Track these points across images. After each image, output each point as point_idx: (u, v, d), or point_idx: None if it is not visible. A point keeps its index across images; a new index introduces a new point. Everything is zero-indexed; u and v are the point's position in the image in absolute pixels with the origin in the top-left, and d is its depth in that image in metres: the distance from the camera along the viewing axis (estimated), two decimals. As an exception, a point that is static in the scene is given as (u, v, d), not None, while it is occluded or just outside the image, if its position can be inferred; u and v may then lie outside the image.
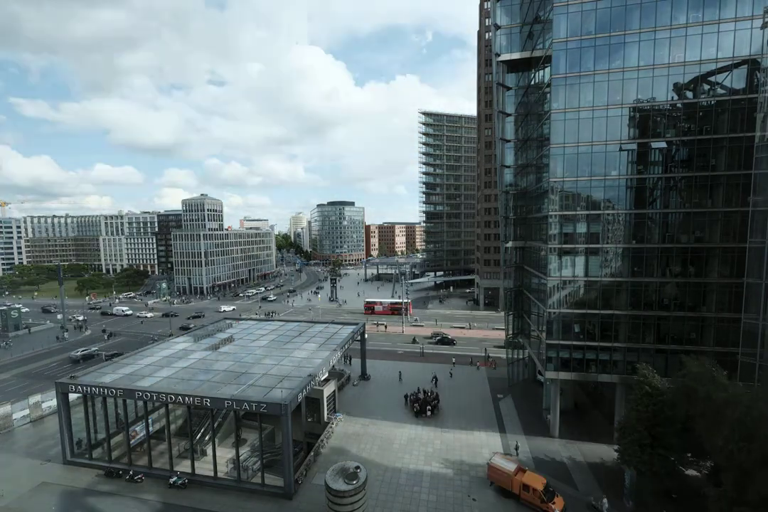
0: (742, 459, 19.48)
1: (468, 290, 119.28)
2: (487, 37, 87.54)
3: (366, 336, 67.60)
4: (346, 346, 44.48)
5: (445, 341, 66.95)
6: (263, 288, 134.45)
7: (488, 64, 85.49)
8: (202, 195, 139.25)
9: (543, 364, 36.29)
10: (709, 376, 23.74)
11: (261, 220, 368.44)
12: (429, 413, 40.45)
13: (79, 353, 61.75)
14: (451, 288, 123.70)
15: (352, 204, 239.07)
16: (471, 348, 63.65)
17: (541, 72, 37.99)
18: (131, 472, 30.99)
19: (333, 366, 40.99)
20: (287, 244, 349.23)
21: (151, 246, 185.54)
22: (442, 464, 32.32)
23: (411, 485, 29.68)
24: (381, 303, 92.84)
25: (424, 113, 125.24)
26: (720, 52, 29.70)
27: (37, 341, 73.51)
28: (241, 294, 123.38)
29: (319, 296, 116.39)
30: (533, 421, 39.39)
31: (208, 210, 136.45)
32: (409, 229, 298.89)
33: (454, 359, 56.34)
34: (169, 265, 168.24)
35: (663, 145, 32.25)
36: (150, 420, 33.62)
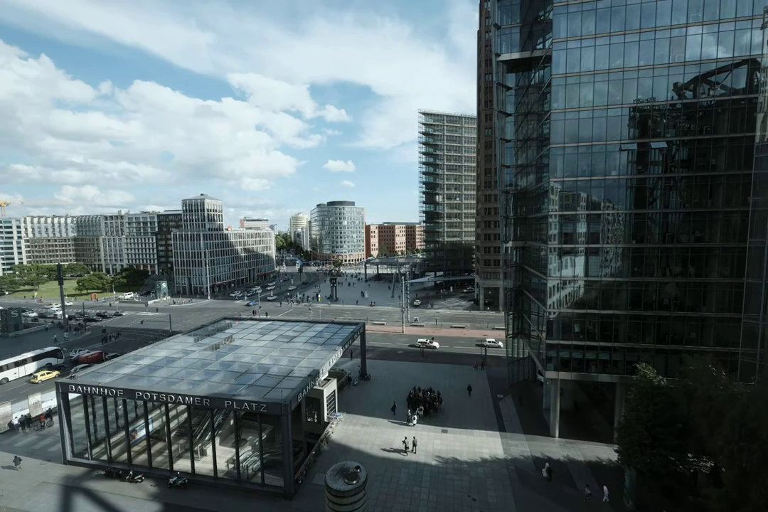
0: (743, 460, 19.47)
1: (468, 290, 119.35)
2: (487, 37, 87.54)
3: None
4: (347, 346, 44.47)
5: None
6: (266, 287, 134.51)
7: (488, 64, 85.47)
8: (201, 195, 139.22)
9: (543, 364, 36.28)
10: (710, 375, 23.73)
11: (261, 220, 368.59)
12: (422, 412, 40.50)
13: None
14: (451, 288, 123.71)
15: (352, 204, 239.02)
16: (471, 348, 63.73)
17: (541, 72, 37.97)
18: (131, 472, 30.99)
19: (333, 366, 40.98)
20: (287, 243, 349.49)
21: (151, 246, 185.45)
22: (442, 464, 32.31)
23: (411, 485, 29.69)
24: None
25: (424, 113, 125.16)
26: (720, 52, 29.71)
27: (37, 341, 73.56)
28: (241, 294, 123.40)
29: (319, 296, 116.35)
30: (533, 421, 39.40)
31: (208, 210, 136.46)
32: (409, 229, 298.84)
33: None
34: (169, 265, 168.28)
35: (663, 145, 32.24)
36: (150, 420, 33.59)
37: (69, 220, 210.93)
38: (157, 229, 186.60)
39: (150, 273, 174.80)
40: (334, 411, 39.75)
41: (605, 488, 27.94)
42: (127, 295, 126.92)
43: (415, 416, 39.23)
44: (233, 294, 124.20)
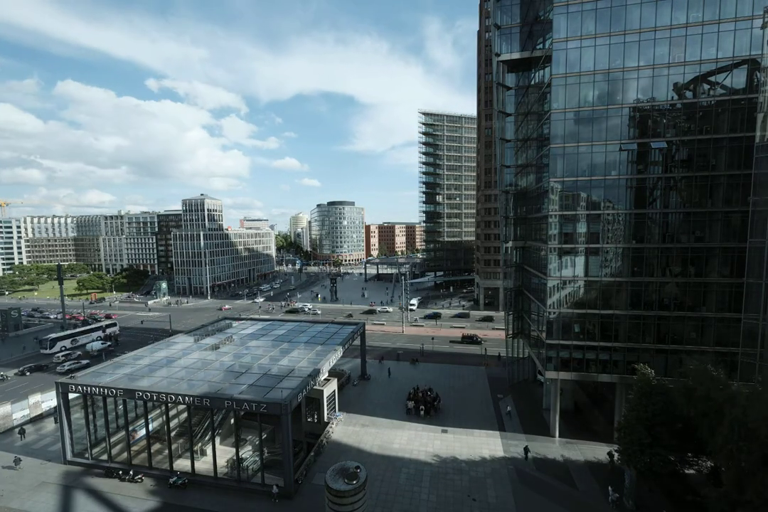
0: (743, 459, 19.47)
1: (468, 290, 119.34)
2: (487, 37, 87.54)
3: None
4: (347, 346, 44.48)
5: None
6: (266, 287, 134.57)
7: (488, 64, 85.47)
8: (201, 195, 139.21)
9: (543, 364, 36.28)
10: (709, 375, 23.73)
11: (261, 220, 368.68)
12: (423, 412, 40.50)
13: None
14: (451, 288, 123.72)
15: (352, 204, 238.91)
16: (471, 348, 63.73)
17: (541, 72, 37.95)
18: (131, 472, 31.00)
19: (333, 366, 40.99)
20: (287, 243, 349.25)
21: (151, 246, 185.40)
22: (442, 464, 32.32)
23: (411, 485, 29.69)
24: None
25: (424, 113, 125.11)
26: (720, 52, 29.69)
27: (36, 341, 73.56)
28: (240, 293, 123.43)
29: (319, 296, 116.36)
30: (533, 421, 39.39)
31: (207, 210, 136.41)
32: (409, 228, 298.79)
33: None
34: (169, 265, 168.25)
35: (663, 145, 32.22)
36: (150, 420, 33.60)
37: (69, 220, 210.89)
38: (157, 229, 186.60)
39: (150, 273, 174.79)
40: (334, 411, 39.76)
41: (610, 488, 27.94)
42: (128, 295, 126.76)
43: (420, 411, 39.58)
44: (240, 293, 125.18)
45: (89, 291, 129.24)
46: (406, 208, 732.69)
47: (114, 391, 31.46)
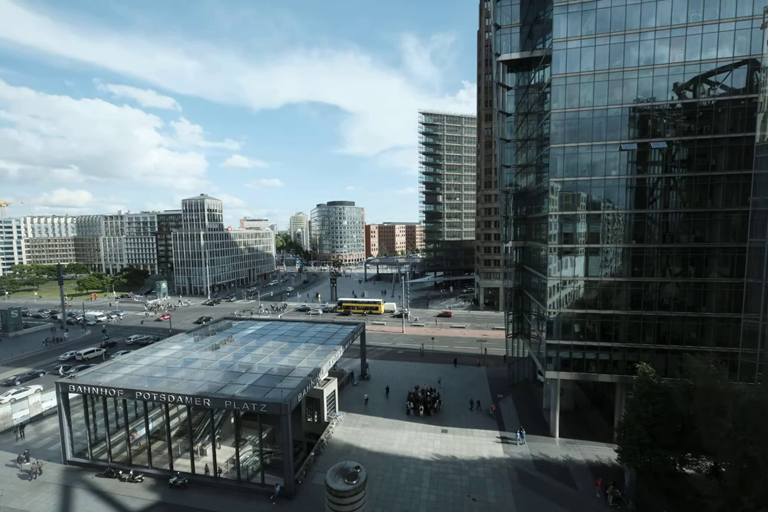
0: (748, 449, 19.38)
1: (468, 290, 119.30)
2: (487, 37, 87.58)
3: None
4: (347, 346, 44.47)
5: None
6: (266, 287, 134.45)
7: (488, 64, 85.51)
8: (201, 195, 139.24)
9: (543, 364, 36.28)
10: (712, 373, 23.64)
11: (261, 220, 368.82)
12: (422, 412, 40.51)
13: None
14: (451, 288, 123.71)
15: (352, 204, 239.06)
16: (471, 348, 63.72)
17: (541, 72, 37.98)
18: (131, 472, 31.00)
19: (333, 366, 41.00)
20: (287, 244, 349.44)
21: (150, 246, 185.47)
22: (442, 464, 32.31)
23: (411, 485, 29.68)
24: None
25: (424, 113, 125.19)
26: (720, 52, 29.69)
27: (37, 341, 73.56)
28: (240, 293, 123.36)
29: (319, 296, 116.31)
30: (533, 421, 39.39)
31: (208, 210, 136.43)
32: (409, 228, 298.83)
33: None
34: (169, 265, 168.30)
35: (663, 145, 32.20)
36: (150, 420, 33.58)
37: (69, 220, 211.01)
38: (156, 229, 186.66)
39: (150, 273, 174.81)
40: (334, 411, 39.75)
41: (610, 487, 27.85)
42: (127, 295, 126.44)
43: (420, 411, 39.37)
44: (232, 299, 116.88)
45: (89, 291, 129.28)
46: (395, 204, 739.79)
47: (114, 391, 31.44)
